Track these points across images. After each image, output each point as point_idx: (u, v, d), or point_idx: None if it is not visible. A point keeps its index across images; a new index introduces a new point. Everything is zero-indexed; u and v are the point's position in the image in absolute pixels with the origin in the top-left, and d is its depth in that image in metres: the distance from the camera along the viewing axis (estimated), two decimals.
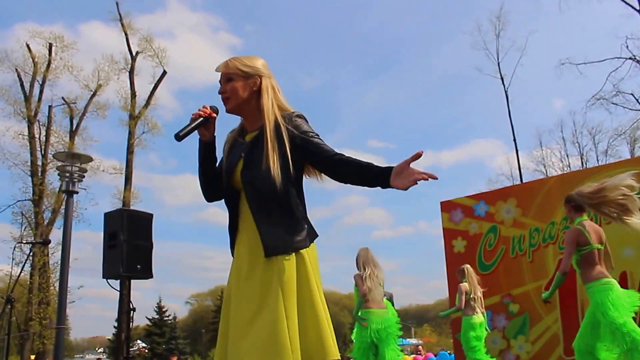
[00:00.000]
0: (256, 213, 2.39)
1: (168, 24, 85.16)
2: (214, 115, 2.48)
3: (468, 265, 8.58)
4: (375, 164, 2.28)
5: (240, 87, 2.47)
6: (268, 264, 2.32)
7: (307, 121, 2.49)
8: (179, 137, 2.36)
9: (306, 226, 2.42)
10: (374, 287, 6.91)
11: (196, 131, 2.45)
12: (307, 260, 2.35)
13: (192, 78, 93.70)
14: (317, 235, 2.47)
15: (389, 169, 2.23)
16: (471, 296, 8.29)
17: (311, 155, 2.41)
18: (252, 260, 2.37)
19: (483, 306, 8.39)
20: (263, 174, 2.35)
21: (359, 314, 7.01)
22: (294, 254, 2.34)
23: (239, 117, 2.62)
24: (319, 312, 2.30)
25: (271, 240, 2.34)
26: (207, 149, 2.51)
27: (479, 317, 8.25)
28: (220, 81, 2.53)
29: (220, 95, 2.52)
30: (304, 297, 2.30)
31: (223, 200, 2.57)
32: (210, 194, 2.60)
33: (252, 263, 2.37)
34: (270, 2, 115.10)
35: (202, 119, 2.43)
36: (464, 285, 8.36)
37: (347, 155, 2.35)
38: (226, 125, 2.68)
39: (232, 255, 2.53)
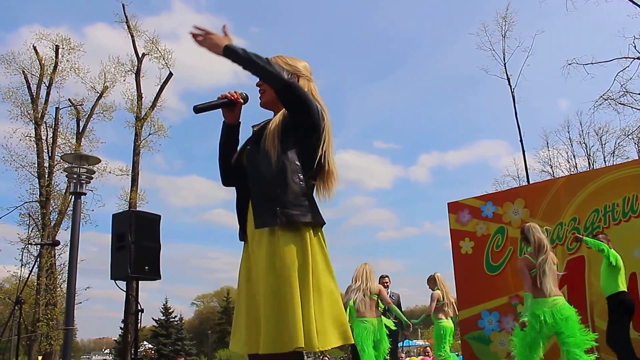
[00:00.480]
0: (253, 187, 2.42)
1: (173, 25, 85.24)
2: (241, 100, 2.55)
3: (439, 274, 9.05)
4: (251, 53, 2.36)
5: None
6: (260, 237, 2.35)
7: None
8: (196, 109, 2.43)
9: (306, 203, 2.38)
10: (359, 298, 7.95)
11: (221, 111, 2.54)
12: (307, 236, 2.31)
13: (197, 79, 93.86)
14: (323, 221, 2.43)
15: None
16: (443, 302, 8.96)
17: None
18: (254, 236, 2.40)
19: (456, 311, 8.94)
20: (261, 149, 2.40)
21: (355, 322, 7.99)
22: (289, 227, 2.31)
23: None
24: (307, 293, 2.23)
25: (260, 211, 2.35)
26: (228, 131, 2.59)
27: (449, 322, 8.75)
28: None
29: (258, 86, 2.60)
30: (304, 271, 2.26)
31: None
32: (228, 178, 2.64)
33: (253, 239, 2.41)
34: (275, 3, 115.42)
35: (225, 100, 2.50)
36: (437, 293, 8.96)
37: (281, 68, 2.39)
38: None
39: (240, 238, 2.55)
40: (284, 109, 2.46)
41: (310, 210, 2.37)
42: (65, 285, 22.92)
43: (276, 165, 2.35)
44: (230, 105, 2.53)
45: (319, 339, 2.18)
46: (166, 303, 51.71)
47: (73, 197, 8.42)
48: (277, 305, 2.20)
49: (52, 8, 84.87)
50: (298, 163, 2.39)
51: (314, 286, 2.25)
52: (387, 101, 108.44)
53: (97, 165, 9.50)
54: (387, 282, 10.08)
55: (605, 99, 22.80)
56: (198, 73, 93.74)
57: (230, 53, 2.33)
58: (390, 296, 9.04)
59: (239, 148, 2.62)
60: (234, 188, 2.60)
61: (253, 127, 2.63)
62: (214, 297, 79.16)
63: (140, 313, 6.99)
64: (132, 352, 6.91)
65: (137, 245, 6.92)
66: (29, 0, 71.93)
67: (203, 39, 2.35)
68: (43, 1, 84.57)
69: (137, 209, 21.65)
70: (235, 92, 2.54)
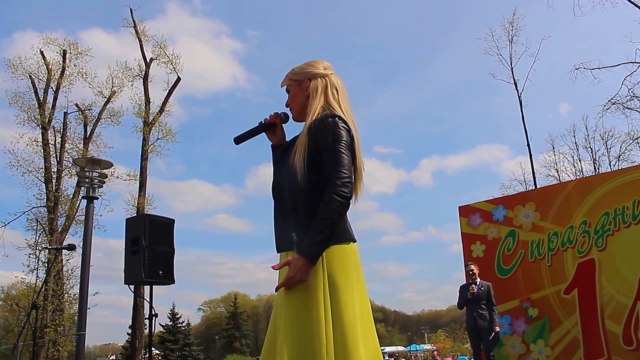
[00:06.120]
0: (276, 210, 2.45)
1: (168, 29, 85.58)
2: (277, 121, 2.60)
3: None
4: (312, 237, 2.20)
5: (296, 96, 2.58)
6: (284, 258, 2.33)
7: (336, 125, 2.35)
8: (237, 140, 2.53)
9: None
10: None
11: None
12: (323, 259, 2.23)
13: (195, 85, 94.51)
14: (347, 238, 2.34)
15: (299, 251, 2.21)
16: None
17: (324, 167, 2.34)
18: (281, 258, 2.42)
19: None
20: (286, 170, 2.41)
21: None
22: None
23: None
24: (316, 318, 2.17)
25: (280, 235, 2.39)
26: (274, 152, 2.63)
27: None
28: None
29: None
30: (304, 299, 2.21)
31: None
32: None
33: (280, 257, 2.43)
34: (273, 7, 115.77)
35: (260, 125, 2.59)
36: None
37: (329, 200, 2.22)
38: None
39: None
40: (309, 123, 2.42)
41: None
42: (73, 291, 23.13)
43: (298, 189, 2.34)
44: (269, 129, 2.60)
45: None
46: (173, 308, 51.76)
47: (85, 201, 8.41)
48: (274, 327, 2.27)
49: (46, 14, 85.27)
50: (322, 180, 2.31)
51: (331, 310, 2.18)
52: (387, 105, 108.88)
53: (106, 169, 9.53)
54: (472, 270, 8.82)
55: (613, 103, 22.74)
56: (196, 78, 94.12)
57: (318, 255, 2.21)
58: (479, 287, 8.57)
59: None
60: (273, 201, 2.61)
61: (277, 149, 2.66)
62: (221, 302, 79.29)
63: (154, 318, 6.97)
64: (147, 356, 6.91)
65: (151, 249, 6.89)
66: (22, 7, 72.00)
67: (290, 280, 2.19)
68: (37, 7, 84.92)
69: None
70: (274, 114, 2.60)
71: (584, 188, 9.03)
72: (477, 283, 8.58)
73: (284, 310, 2.22)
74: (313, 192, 2.30)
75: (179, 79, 26.14)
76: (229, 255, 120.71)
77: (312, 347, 2.11)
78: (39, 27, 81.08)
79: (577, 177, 29.15)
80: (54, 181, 23.52)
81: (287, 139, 2.66)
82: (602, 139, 30.85)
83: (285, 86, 2.63)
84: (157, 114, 25.36)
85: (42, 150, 23.69)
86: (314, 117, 2.41)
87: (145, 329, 21.67)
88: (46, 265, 22.08)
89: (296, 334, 2.15)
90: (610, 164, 30.12)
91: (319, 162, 2.33)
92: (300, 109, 2.57)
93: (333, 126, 2.34)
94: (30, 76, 24.38)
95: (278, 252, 2.40)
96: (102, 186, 8.63)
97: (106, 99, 25.45)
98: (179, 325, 51.11)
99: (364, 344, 2.20)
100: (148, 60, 26.08)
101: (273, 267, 2.26)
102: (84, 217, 10.46)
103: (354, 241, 2.38)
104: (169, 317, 50.92)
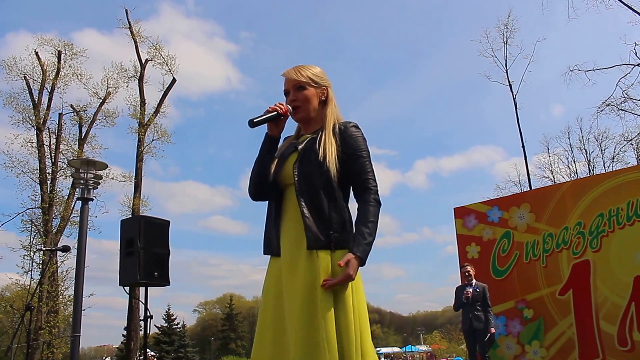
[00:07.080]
0: (304, 206, 2.39)
1: (162, 31, 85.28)
2: (288, 114, 2.54)
3: None
4: (365, 237, 2.33)
5: (313, 96, 2.57)
6: (310, 258, 2.31)
7: (360, 135, 2.52)
8: (252, 123, 2.43)
9: (351, 230, 2.41)
10: None
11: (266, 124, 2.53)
12: None
13: (189, 85, 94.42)
14: None
15: (352, 252, 2.29)
16: None
17: (351, 172, 2.45)
18: (295, 254, 2.36)
19: None
20: (316, 168, 2.40)
21: None
22: (337, 251, 2.33)
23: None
24: (349, 315, 2.25)
25: (314, 232, 2.34)
26: (270, 143, 2.56)
27: None
28: (286, 88, 2.59)
29: (289, 103, 2.57)
30: (339, 297, 2.28)
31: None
32: (258, 192, 2.58)
33: (294, 257, 2.36)
34: (266, 9, 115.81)
35: (276, 113, 2.49)
36: None
37: (371, 204, 2.41)
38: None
39: (265, 252, 2.53)
40: (330, 127, 2.51)
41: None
42: (67, 293, 23.00)
43: (331, 188, 2.39)
44: (278, 119, 2.52)
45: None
46: (169, 310, 51.55)
47: (80, 203, 8.36)
48: (310, 326, 2.22)
49: (39, 14, 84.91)
50: (344, 187, 2.46)
51: (359, 310, 2.31)
52: (380, 107, 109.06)
53: (101, 171, 9.47)
54: (468, 272, 8.77)
55: (608, 105, 22.80)
56: (190, 80, 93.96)
57: (368, 256, 2.34)
58: (474, 289, 8.50)
59: (275, 162, 2.58)
60: (260, 202, 2.60)
61: (293, 142, 2.62)
62: (217, 303, 79.14)
63: (149, 319, 6.95)
64: (142, 358, 6.89)
65: (146, 251, 6.88)
66: (15, 8, 71.54)
67: (348, 279, 2.28)
68: (30, 8, 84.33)
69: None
70: (282, 104, 2.53)
71: (579, 189, 9.05)
72: (473, 284, 8.53)
73: (321, 308, 2.23)
74: (341, 195, 2.43)
75: (174, 80, 26.06)
76: (224, 257, 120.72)
77: (348, 346, 2.21)
78: (33, 27, 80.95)
79: (572, 178, 29.26)
80: (48, 182, 23.41)
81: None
82: (597, 141, 31.03)
83: (297, 81, 2.56)
84: (152, 115, 25.23)
85: (36, 152, 23.58)
86: (333, 123, 2.53)
87: (141, 330, 21.61)
88: (41, 266, 21.99)
89: (339, 333, 2.22)
90: (604, 166, 30.28)
91: (344, 166, 2.43)
92: (310, 112, 2.57)
93: (358, 135, 2.51)
94: (24, 77, 24.24)
95: (308, 249, 2.32)
96: (97, 187, 8.55)
97: (101, 100, 25.35)
98: (174, 326, 50.87)
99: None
100: (143, 62, 25.98)
101: (339, 264, 2.26)
102: (78, 218, 10.45)
103: None
104: (164, 319, 50.68)
